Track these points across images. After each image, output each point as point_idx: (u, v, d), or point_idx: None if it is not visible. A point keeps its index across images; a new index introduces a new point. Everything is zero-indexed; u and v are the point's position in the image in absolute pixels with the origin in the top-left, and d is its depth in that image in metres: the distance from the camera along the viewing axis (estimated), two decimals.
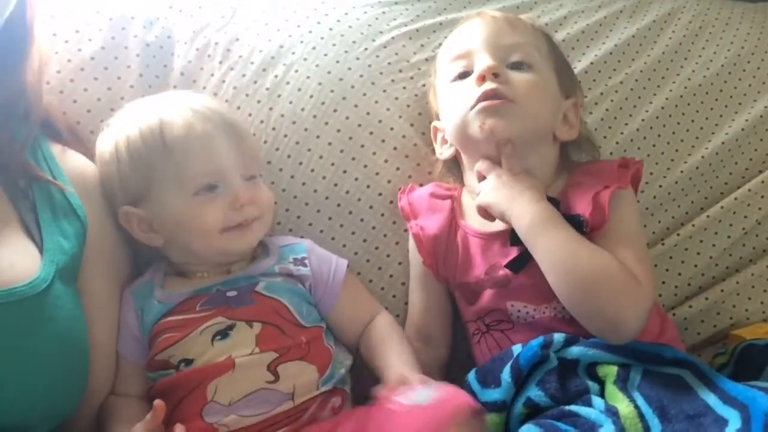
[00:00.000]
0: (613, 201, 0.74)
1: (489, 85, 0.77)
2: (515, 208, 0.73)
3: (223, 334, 0.71)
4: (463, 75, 0.81)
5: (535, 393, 0.69)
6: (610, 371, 0.69)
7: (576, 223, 0.72)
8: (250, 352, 0.70)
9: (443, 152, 0.87)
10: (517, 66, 0.80)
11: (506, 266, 0.75)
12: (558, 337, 0.71)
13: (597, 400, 0.66)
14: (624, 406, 0.64)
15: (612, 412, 0.64)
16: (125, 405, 0.73)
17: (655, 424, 0.63)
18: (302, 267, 0.77)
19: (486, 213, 0.76)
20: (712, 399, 0.65)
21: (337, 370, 0.74)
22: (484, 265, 0.78)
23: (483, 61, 0.79)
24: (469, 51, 0.82)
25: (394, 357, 0.75)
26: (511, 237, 0.75)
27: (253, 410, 0.68)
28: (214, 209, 0.72)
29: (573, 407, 0.66)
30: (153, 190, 0.73)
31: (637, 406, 0.64)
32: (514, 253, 0.75)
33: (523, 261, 0.74)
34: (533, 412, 0.69)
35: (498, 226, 0.78)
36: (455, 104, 0.80)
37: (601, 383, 0.69)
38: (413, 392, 0.63)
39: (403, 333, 0.81)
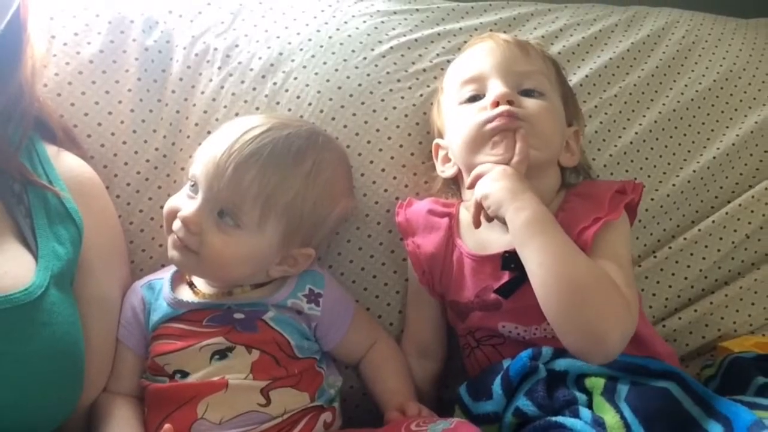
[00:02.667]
0: (602, 233, 0.73)
1: (503, 108, 0.77)
2: (515, 201, 0.70)
3: (222, 354, 0.71)
4: (473, 98, 0.81)
5: (523, 402, 0.70)
6: (597, 383, 0.70)
7: None
8: (244, 377, 0.70)
9: (446, 170, 0.86)
10: (528, 93, 0.80)
11: (496, 291, 0.75)
12: (546, 350, 0.72)
13: (584, 411, 0.67)
14: (610, 417, 0.65)
15: (598, 423, 0.65)
16: (120, 404, 0.73)
17: None
18: (314, 306, 0.76)
19: (479, 211, 0.74)
20: (697, 412, 0.66)
21: (327, 391, 0.75)
22: (475, 288, 0.78)
23: (497, 88, 0.79)
24: (480, 75, 0.81)
25: (394, 384, 0.78)
26: (503, 261, 0.74)
27: (241, 428, 0.69)
28: (176, 202, 0.74)
29: (559, 418, 0.67)
30: None
31: (623, 417, 0.65)
32: (505, 277, 0.75)
33: (514, 286, 0.73)
34: (523, 422, 0.70)
35: (491, 249, 0.77)
36: (465, 125, 0.80)
37: (589, 395, 0.70)
38: (430, 423, 0.65)
39: (402, 358, 0.83)
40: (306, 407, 0.72)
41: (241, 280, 0.75)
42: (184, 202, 0.73)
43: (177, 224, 0.72)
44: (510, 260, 0.73)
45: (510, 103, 0.77)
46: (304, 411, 0.72)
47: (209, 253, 0.71)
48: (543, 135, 0.78)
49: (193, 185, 0.73)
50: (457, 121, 0.82)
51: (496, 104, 0.77)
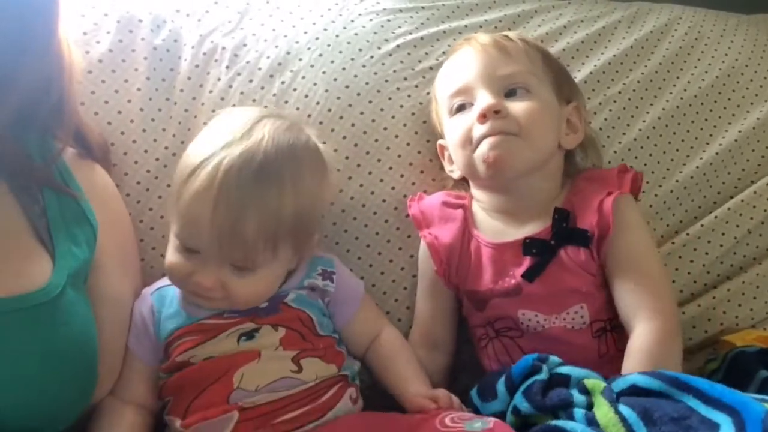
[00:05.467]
0: (618, 208, 0.77)
1: (491, 124, 0.79)
2: None
3: (249, 335, 0.73)
4: (463, 107, 0.83)
5: (519, 400, 0.70)
6: (598, 385, 0.70)
7: (583, 237, 0.75)
8: (274, 349, 0.72)
9: (453, 171, 0.88)
10: (515, 94, 0.81)
11: (523, 275, 0.77)
12: (553, 358, 0.73)
13: (578, 412, 0.66)
14: (603, 414, 0.64)
15: (592, 421, 0.64)
16: (122, 413, 0.74)
17: (640, 427, 0.62)
18: (329, 282, 0.79)
19: None
20: (692, 401, 0.64)
21: (351, 367, 0.78)
22: (495, 275, 0.80)
23: (483, 99, 0.80)
24: (466, 87, 0.83)
25: (408, 371, 0.79)
26: (525, 247, 0.77)
27: (276, 393, 0.70)
28: (178, 263, 0.72)
29: (559, 422, 0.66)
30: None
31: (618, 412, 0.64)
32: (526, 262, 0.77)
33: (539, 269, 0.76)
34: (523, 422, 0.70)
35: (510, 236, 0.80)
36: (458, 139, 0.82)
37: (589, 395, 0.69)
38: (466, 420, 0.66)
39: (410, 347, 0.84)
40: (335, 375, 0.74)
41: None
42: (187, 260, 0.72)
43: (193, 287, 0.72)
44: (531, 246, 0.77)
45: (497, 112, 0.79)
46: (335, 379, 0.74)
47: (238, 297, 0.73)
48: (535, 136, 0.80)
49: (187, 247, 0.72)
50: (451, 134, 0.84)
51: (483, 117, 0.79)
